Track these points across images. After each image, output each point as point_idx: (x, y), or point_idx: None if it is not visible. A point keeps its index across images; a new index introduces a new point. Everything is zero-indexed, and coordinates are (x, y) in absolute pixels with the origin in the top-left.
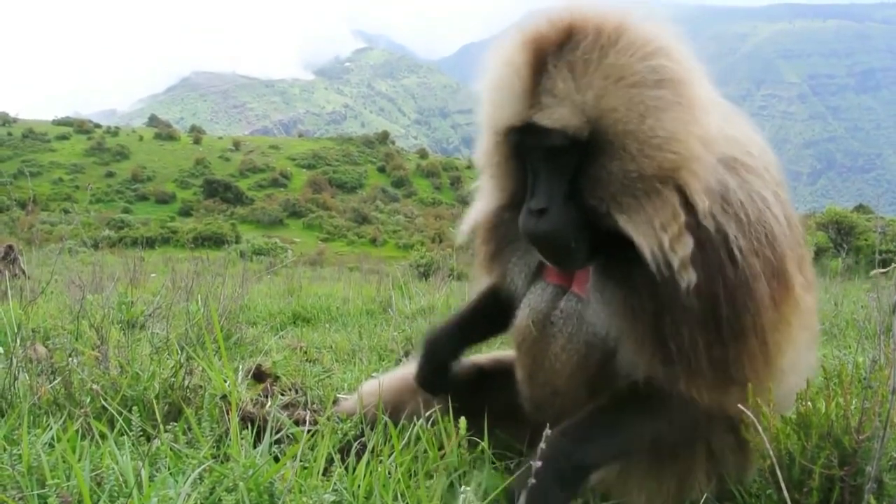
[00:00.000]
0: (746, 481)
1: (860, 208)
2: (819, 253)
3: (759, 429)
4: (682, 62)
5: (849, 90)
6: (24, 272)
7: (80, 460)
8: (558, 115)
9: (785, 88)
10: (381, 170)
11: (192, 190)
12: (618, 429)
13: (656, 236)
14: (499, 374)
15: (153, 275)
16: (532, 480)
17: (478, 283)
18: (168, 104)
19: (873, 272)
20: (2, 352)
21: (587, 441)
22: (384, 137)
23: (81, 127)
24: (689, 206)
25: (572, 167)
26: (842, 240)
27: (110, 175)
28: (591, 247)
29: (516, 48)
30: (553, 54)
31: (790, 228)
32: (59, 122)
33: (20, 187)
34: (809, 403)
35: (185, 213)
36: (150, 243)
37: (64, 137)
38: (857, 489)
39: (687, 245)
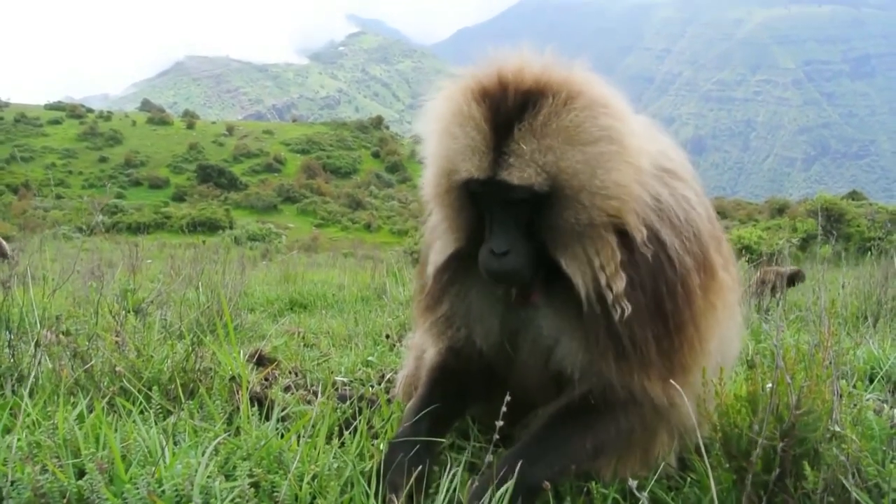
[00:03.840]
0: (703, 435)
1: (853, 194)
2: (808, 240)
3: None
4: (619, 114)
5: (844, 76)
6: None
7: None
8: (525, 175)
9: (780, 74)
10: (376, 155)
11: (185, 175)
12: (564, 447)
13: (594, 276)
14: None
15: (149, 261)
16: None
17: (421, 332)
18: (161, 88)
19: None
20: (8, 336)
21: (537, 461)
22: (378, 122)
23: (74, 111)
24: (625, 242)
25: (528, 214)
26: (831, 227)
27: (103, 160)
28: (545, 271)
29: (472, 102)
30: (515, 115)
31: (709, 219)
32: (51, 107)
33: (12, 172)
34: (759, 383)
35: (179, 198)
36: (143, 229)
37: (56, 122)
38: (796, 458)
39: (622, 281)
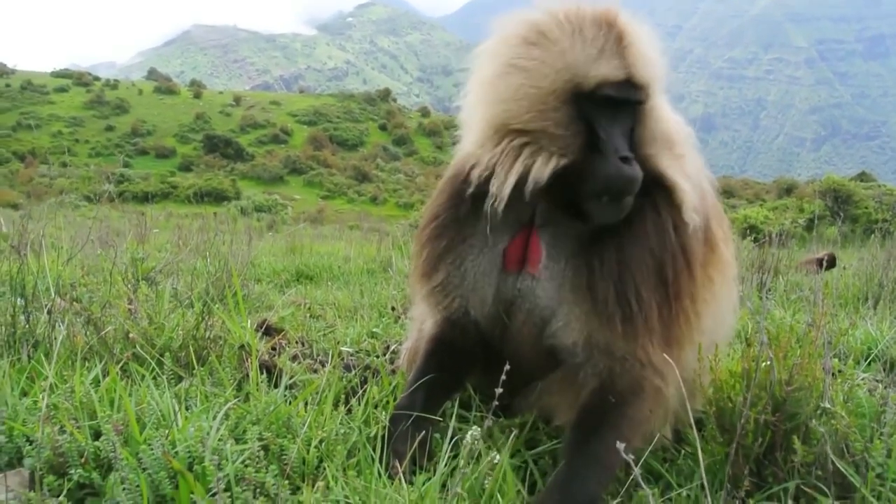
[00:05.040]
0: (695, 409)
1: (862, 176)
2: (815, 221)
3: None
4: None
5: (857, 56)
6: None
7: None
8: (652, 74)
9: (792, 53)
10: (383, 128)
11: (192, 145)
12: (602, 458)
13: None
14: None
15: (156, 230)
16: None
17: (419, 302)
18: (167, 57)
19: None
20: (22, 303)
21: (587, 482)
22: (386, 95)
23: (80, 79)
24: None
25: (630, 124)
26: (838, 208)
27: (110, 129)
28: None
29: (580, 20)
30: (622, 30)
31: (711, 193)
32: (57, 75)
33: (19, 140)
34: (753, 362)
35: (186, 168)
36: (150, 198)
37: (63, 90)
38: (787, 433)
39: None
